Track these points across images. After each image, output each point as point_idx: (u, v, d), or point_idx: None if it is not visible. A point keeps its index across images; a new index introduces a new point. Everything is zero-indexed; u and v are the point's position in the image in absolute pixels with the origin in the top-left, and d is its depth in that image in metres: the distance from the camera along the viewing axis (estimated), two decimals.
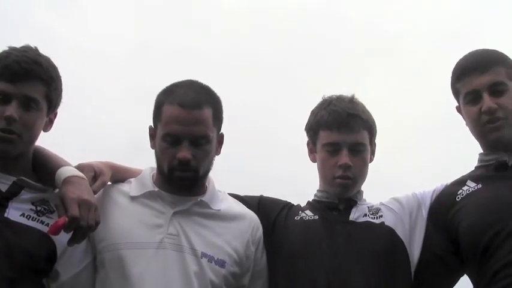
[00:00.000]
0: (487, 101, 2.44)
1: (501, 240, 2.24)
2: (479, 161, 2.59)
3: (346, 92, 2.71)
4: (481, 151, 2.59)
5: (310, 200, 2.73)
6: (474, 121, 2.51)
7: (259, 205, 2.65)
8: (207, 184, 2.49)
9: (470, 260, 2.37)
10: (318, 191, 2.72)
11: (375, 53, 8.90)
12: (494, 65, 2.50)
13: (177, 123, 2.31)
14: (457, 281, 2.57)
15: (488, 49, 2.60)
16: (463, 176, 2.59)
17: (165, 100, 2.37)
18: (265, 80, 8.60)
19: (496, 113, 2.43)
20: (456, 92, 2.60)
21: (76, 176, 2.23)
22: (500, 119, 2.44)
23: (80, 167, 2.32)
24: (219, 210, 2.45)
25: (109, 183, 2.45)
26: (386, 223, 2.57)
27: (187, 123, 2.30)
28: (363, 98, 2.69)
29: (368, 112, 2.67)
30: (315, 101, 2.75)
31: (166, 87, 2.45)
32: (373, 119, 2.68)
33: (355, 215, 2.60)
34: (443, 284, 2.57)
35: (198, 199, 2.42)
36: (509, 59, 2.55)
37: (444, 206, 2.53)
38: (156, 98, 2.44)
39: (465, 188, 2.50)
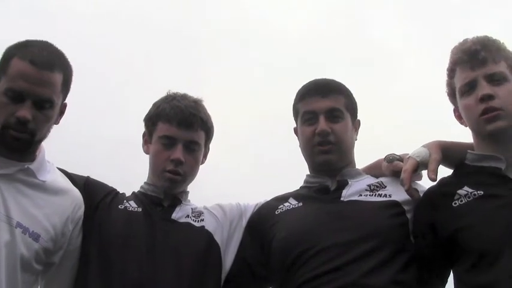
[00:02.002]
0: (322, 124, 2.55)
1: (308, 257, 2.32)
2: (305, 181, 2.71)
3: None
4: (308, 173, 2.71)
5: (136, 191, 2.70)
6: (307, 141, 2.60)
7: (86, 185, 2.56)
8: (37, 153, 2.35)
9: (277, 272, 2.45)
10: (145, 183, 2.70)
11: None
12: (336, 93, 2.64)
13: (24, 80, 2.17)
14: None
15: (334, 79, 2.73)
16: (286, 193, 2.68)
17: (16, 54, 2.23)
18: None
19: (328, 136, 2.54)
20: (296, 112, 2.71)
21: None
22: (331, 143, 2.55)
23: None
24: (44, 181, 2.33)
25: None
26: (206, 227, 2.61)
27: (35, 82, 2.18)
28: None
29: (209, 116, 2.72)
30: None
31: (21, 42, 2.30)
32: (212, 124, 2.73)
33: (177, 214, 2.61)
34: None
35: (25, 166, 2.28)
36: (352, 95, 2.72)
37: (263, 218, 2.61)
38: (6, 49, 2.28)
39: (286, 204, 2.59)
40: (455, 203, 2.30)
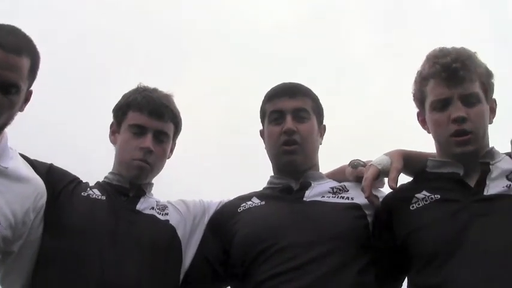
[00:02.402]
0: (289, 122, 2.59)
1: (269, 255, 2.35)
2: (269, 182, 2.73)
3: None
4: (272, 174, 2.74)
5: (100, 181, 2.67)
6: (273, 141, 2.64)
7: (48, 173, 2.52)
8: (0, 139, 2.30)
9: (237, 269, 2.47)
10: (110, 173, 2.68)
11: None
12: (303, 95, 2.70)
13: None
14: None
15: (301, 83, 2.78)
16: (249, 193, 2.71)
17: None
18: None
19: (294, 135, 2.58)
20: (263, 114, 2.75)
21: None
22: (296, 143, 2.59)
23: None
24: (6, 168, 2.28)
25: None
26: (170, 221, 2.60)
27: (1, 66, 2.11)
28: None
29: (179, 111, 2.73)
30: None
31: None
32: (181, 119, 2.74)
33: (142, 205, 2.61)
34: None
35: None
36: (319, 100, 2.77)
37: (226, 216, 2.62)
38: None
39: (249, 202, 2.62)
40: (412, 206, 2.38)
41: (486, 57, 2.43)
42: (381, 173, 2.44)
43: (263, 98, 2.78)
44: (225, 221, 2.61)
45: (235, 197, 2.75)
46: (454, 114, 2.32)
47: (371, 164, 2.48)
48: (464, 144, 2.32)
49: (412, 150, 2.57)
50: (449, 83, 2.34)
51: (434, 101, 2.39)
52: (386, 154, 2.51)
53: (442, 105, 2.36)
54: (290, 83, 2.78)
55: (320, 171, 2.74)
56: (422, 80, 2.45)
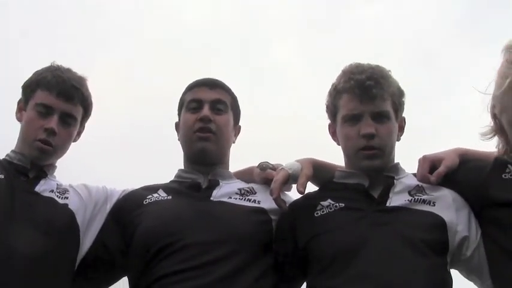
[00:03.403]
0: (206, 110, 2.61)
1: (171, 251, 2.32)
2: (177, 176, 2.71)
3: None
4: (182, 167, 2.71)
5: (1, 159, 2.56)
6: (187, 128, 2.63)
7: None
8: None
9: (136, 261, 2.41)
10: (12, 151, 2.57)
11: None
12: (223, 90, 2.73)
13: None
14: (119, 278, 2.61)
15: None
16: (156, 184, 2.67)
17: None
18: None
19: (209, 123, 2.59)
20: (181, 103, 2.75)
21: None
22: (212, 132, 2.60)
23: None
24: None
25: None
26: (69, 206, 2.52)
27: None
28: None
29: (90, 94, 2.66)
30: None
31: None
32: (92, 103, 2.67)
33: (42, 187, 2.52)
34: (105, 278, 2.59)
35: None
36: (237, 100, 2.79)
37: (130, 206, 2.57)
38: None
39: (155, 195, 2.58)
40: (317, 213, 2.43)
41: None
42: (291, 178, 2.47)
43: (184, 89, 2.78)
44: (128, 210, 2.55)
45: (141, 186, 2.71)
46: (363, 130, 2.40)
47: (282, 168, 2.51)
48: (371, 158, 2.42)
49: (323, 160, 2.63)
50: (362, 99, 2.41)
51: (346, 115, 2.46)
52: (297, 160, 2.55)
53: (353, 120, 2.44)
54: (212, 78, 2.79)
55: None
56: (336, 94, 2.51)
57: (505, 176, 2.29)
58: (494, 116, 2.27)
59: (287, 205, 2.51)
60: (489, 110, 2.28)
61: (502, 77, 2.17)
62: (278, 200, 2.42)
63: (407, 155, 2.70)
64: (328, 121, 2.63)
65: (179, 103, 2.78)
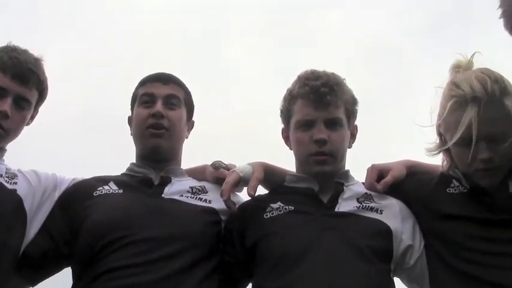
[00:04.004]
0: (159, 106, 2.61)
1: (119, 246, 2.30)
2: (129, 169, 2.70)
3: None
4: (134, 161, 2.71)
5: None
6: (140, 123, 2.62)
7: None
8: None
9: (82, 253, 2.38)
10: None
11: None
12: (177, 85, 2.73)
13: None
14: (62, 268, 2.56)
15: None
16: (107, 176, 2.65)
17: None
18: None
19: (162, 119, 2.59)
20: (134, 98, 2.74)
21: None
22: (164, 128, 2.60)
23: None
24: None
25: None
26: (18, 191, 2.47)
27: None
28: None
29: (46, 78, 2.61)
30: None
31: None
32: (48, 86, 2.62)
33: None
34: (47, 267, 2.53)
35: None
36: (191, 96, 2.81)
37: (79, 196, 2.54)
38: None
39: (106, 187, 2.55)
40: (266, 215, 2.46)
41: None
42: (242, 181, 2.49)
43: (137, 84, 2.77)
44: (77, 200, 2.52)
45: (92, 176, 2.68)
46: (316, 136, 2.45)
47: (234, 171, 2.53)
48: (322, 164, 2.47)
49: (275, 165, 2.67)
50: (316, 105, 2.47)
51: (299, 121, 2.51)
52: (249, 164, 2.58)
53: (307, 125, 2.49)
54: (165, 72, 2.78)
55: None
56: (291, 99, 2.56)
57: (449, 190, 2.36)
58: (439, 134, 2.34)
59: (237, 206, 2.52)
60: (435, 127, 2.34)
61: (445, 98, 2.25)
62: (228, 201, 2.43)
63: (359, 162, 2.74)
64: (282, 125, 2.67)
65: (132, 97, 2.77)
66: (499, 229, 2.18)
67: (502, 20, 2.15)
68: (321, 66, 2.59)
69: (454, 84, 2.23)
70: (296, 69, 2.64)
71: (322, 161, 2.46)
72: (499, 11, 2.12)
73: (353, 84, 2.62)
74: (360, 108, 2.65)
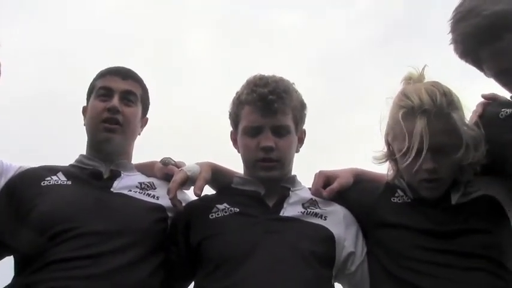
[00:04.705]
0: (115, 101, 2.59)
1: (66, 238, 2.27)
2: (78, 161, 2.67)
3: None
4: (84, 153, 2.68)
5: None
6: (95, 116, 2.61)
7: None
8: None
9: (26, 244, 2.32)
10: None
11: None
12: (136, 81, 2.73)
13: None
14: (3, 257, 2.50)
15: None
16: (56, 166, 2.62)
17: None
18: None
19: (117, 115, 2.58)
20: (91, 89, 2.71)
21: None
22: (118, 123, 2.59)
23: None
24: None
25: None
26: None
27: None
28: None
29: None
30: None
31: None
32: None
33: None
34: None
35: None
36: (148, 93, 2.78)
37: (27, 185, 2.50)
38: None
39: (54, 177, 2.52)
40: (212, 215, 2.46)
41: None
42: (189, 180, 2.50)
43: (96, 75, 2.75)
44: (24, 189, 2.48)
45: (40, 166, 2.64)
46: (263, 143, 2.46)
47: (181, 169, 2.53)
48: (269, 170, 2.49)
49: (223, 166, 2.68)
50: (263, 112, 2.47)
51: (246, 127, 2.52)
52: (197, 163, 2.58)
53: (254, 132, 2.49)
54: (125, 67, 2.77)
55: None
56: (239, 104, 2.56)
57: (394, 199, 2.41)
58: (387, 143, 2.38)
59: (184, 204, 2.52)
60: (383, 136, 2.38)
61: (395, 108, 2.29)
62: (174, 199, 2.43)
63: (308, 168, 2.77)
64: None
65: (89, 88, 2.74)
66: (440, 240, 2.24)
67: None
68: (275, 67, 2.62)
69: (404, 95, 2.27)
70: (251, 68, 2.70)
71: (268, 167, 2.48)
72: (450, 36, 2.15)
73: (307, 89, 2.63)
74: (312, 114, 2.68)
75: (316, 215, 2.46)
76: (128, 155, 2.72)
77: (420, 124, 2.16)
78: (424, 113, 2.17)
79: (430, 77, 2.36)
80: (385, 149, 2.40)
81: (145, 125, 2.81)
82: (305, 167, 2.80)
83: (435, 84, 2.27)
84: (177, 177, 2.47)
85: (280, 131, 2.49)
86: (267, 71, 2.59)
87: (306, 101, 2.62)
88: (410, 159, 2.21)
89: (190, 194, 2.63)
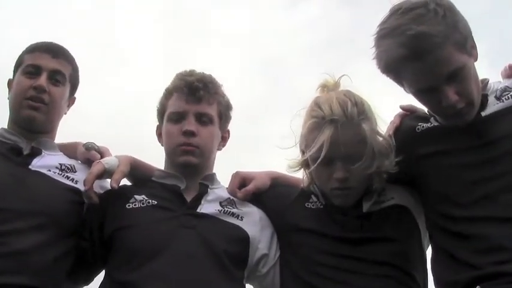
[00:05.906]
0: (42, 80, 2.51)
1: None
2: None
3: None
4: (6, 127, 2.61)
5: None
6: (20, 93, 2.53)
7: None
8: None
9: None
10: None
11: None
12: (66, 60, 2.65)
13: None
14: None
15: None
16: None
17: None
18: None
19: (43, 94, 2.51)
20: (19, 63, 2.63)
21: None
22: (43, 102, 2.52)
23: None
24: None
25: None
26: None
27: None
28: None
29: None
30: None
31: None
32: None
33: None
34: None
35: None
36: (79, 71, 2.73)
37: None
38: None
39: None
40: (129, 205, 2.46)
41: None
42: (106, 172, 2.48)
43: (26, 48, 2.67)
44: None
45: None
46: (185, 127, 2.49)
47: (99, 162, 2.51)
48: (188, 153, 2.50)
49: (143, 161, 2.68)
50: (188, 98, 2.53)
51: (171, 113, 2.55)
52: (117, 156, 2.58)
53: (178, 118, 2.53)
54: (57, 44, 2.70)
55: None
56: (167, 94, 2.61)
57: (308, 205, 2.44)
58: (302, 151, 2.40)
59: (103, 192, 2.51)
60: (298, 144, 2.40)
61: (307, 117, 2.32)
62: (89, 191, 2.42)
63: (231, 168, 2.77)
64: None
65: (17, 61, 2.65)
66: (349, 246, 2.28)
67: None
68: (212, 65, 2.67)
69: (316, 105, 2.30)
70: (190, 65, 2.71)
71: (188, 151, 2.49)
72: (373, 50, 2.15)
73: (241, 90, 2.66)
74: (242, 116, 2.69)
75: (233, 214, 2.48)
76: (51, 134, 2.66)
77: (328, 133, 2.19)
78: (332, 123, 2.20)
79: (345, 85, 2.38)
80: (300, 157, 2.42)
81: (72, 105, 2.74)
82: (232, 167, 2.80)
83: (348, 94, 2.29)
84: (94, 169, 2.45)
85: (203, 119, 2.53)
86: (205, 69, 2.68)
87: (243, 100, 2.66)
88: (314, 167, 2.26)
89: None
